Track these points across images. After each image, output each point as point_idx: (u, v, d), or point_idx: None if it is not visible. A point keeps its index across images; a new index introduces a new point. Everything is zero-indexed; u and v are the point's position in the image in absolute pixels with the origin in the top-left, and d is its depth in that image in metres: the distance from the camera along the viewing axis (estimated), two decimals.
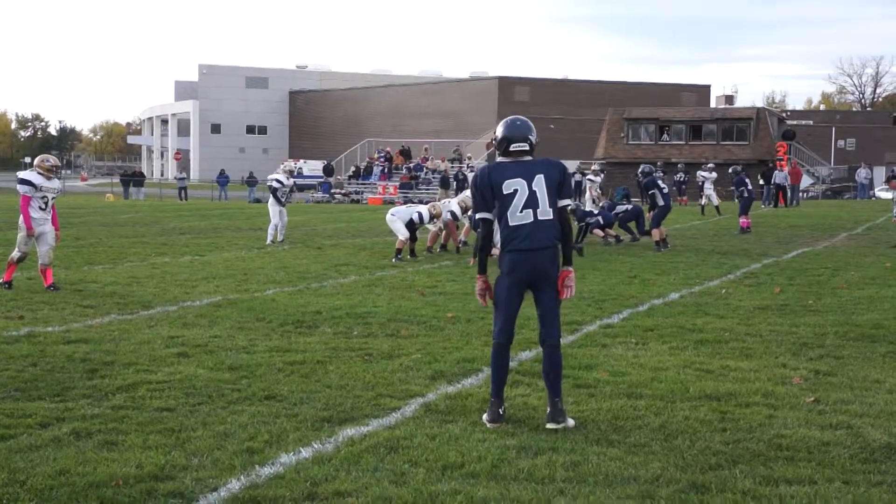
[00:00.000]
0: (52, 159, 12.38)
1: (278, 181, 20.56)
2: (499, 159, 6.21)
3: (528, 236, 5.98)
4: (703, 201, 32.58)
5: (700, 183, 33.04)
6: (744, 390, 6.73)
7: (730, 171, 25.60)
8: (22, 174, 12.13)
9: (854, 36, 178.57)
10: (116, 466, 5.00)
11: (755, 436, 5.62)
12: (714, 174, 33.96)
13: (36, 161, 12.30)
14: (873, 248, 18.94)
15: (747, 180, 24.65)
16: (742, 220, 23.26)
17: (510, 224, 6.00)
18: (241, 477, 4.88)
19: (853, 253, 17.96)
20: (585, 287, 12.62)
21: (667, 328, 9.37)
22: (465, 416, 6.09)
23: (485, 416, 5.97)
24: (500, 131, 6.17)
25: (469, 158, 51.59)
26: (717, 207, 31.48)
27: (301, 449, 5.33)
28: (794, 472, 4.95)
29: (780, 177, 39.96)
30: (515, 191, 5.93)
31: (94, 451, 5.27)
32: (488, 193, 6.03)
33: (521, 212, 5.93)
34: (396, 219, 16.74)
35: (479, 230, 6.34)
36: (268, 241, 19.72)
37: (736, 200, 24.51)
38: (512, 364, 7.59)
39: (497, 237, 6.68)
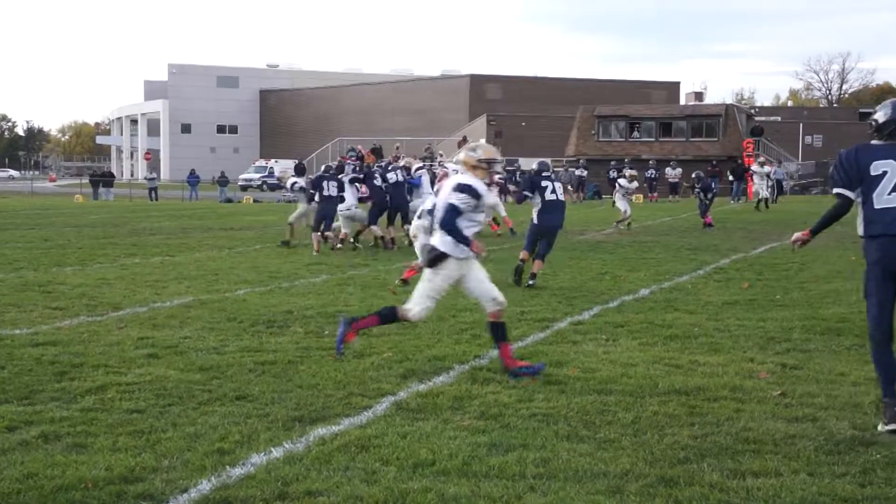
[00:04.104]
0: None
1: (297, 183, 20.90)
2: (873, 142, 5.91)
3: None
4: (762, 194, 33.99)
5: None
6: (712, 385, 6.80)
7: (693, 175, 25.78)
8: None
9: (821, 33, 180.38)
10: (85, 469, 4.98)
11: (723, 429, 5.68)
12: (765, 168, 34.92)
13: None
14: (839, 243, 19.15)
15: (713, 184, 25.03)
16: (706, 218, 23.68)
17: (875, 207, 5.72)
18: (212, 478, 4.87)
19: (820, 247, 18.14)
20: (556, 284, 12.69)
21: (637, 324, 9.44)
22: (436, 413, 6.11)
23: (882, 425, 5.59)
24: (884, 114, 5.90)
25: (441, 156, 51.62)
26: (764, 200, 33.10)
27: (272, 449, 5.33)
28: (760, 464, 5.02)
29: (779, 172, 40.32)
30: (884, 172, 5.72)
31: (63, 454, 5.25)
32: (854, 174, 5.79)
33: (888, 194, 5.69)
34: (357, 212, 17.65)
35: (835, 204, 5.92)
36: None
37: (696, 198, 24.62)
38: (482, 361, 7.65)
39: None
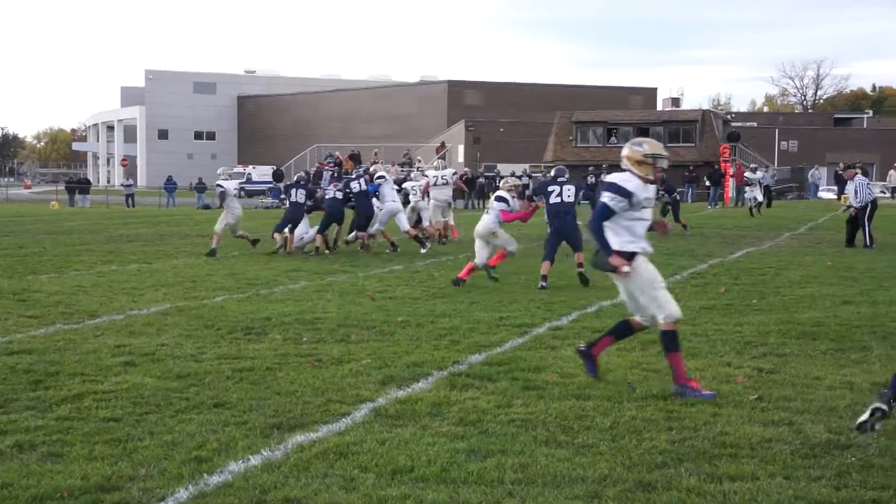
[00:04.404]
0: None
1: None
2: None
3: None
4: (750, 203, 33.59)
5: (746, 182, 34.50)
6: None
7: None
8: None
9: (795, 39, 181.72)
10: (61, 479, 4.94)
11: (700, 434, 5.71)
12: (758, 174, 34.99)
13: None
14: (815, 248, 19.32)
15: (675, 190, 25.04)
16: (670, 223, 23.39)
17: None
18: (189, 486, 4.85)
19: (796, 252, 18.31)
20: (534, 289, 12.70)
21: None
22: (414, 420, 6.10)
23: None
24: None
25: (419, 162, 51.66)
26: (760, 205, 32.78)
27: (250, 456, 5.31)
28: (737, 468, 5.05)
29: (766, 178, 40.53)
30: None
31: (38, 464, 5.21)
32: None
33: None
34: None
35: None
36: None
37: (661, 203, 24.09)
38: (461, 367, 7.66)
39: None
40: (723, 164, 45.91)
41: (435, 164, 23.48)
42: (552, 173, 14.07)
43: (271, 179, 52.56)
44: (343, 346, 8.73)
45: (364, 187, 19.12)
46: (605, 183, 7.03)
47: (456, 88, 77.92)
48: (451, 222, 21.73)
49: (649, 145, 7.16)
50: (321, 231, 18.72)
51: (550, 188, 13.63)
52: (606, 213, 6.86)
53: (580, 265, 13.25)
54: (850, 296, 11.77)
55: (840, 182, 49.43)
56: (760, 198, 33.39)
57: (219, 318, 10.28)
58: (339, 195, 18.94)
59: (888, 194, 45.50)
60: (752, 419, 6.03)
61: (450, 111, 73.82)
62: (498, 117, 65.68)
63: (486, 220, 13.52)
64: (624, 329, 7.25)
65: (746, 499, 4.62)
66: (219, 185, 19.28)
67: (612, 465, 5.14)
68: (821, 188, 51.65)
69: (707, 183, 44.81)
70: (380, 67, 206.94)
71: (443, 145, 57.70)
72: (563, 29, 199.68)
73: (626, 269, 6.74)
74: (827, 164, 55.23)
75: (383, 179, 19.56)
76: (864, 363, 7.76)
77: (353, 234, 19.42)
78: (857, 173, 20.10)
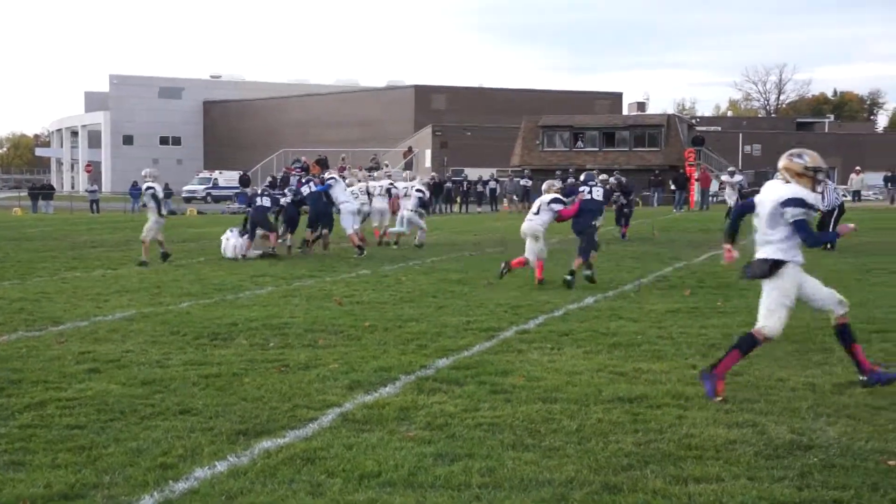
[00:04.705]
0: None
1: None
2: None
3: None
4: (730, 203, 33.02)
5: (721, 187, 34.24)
6: (655, 392, 6.88)
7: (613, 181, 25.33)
8: None
9: (759, 45, 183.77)
10: (24, 487, 4.89)
11: (666, 436, 5.75)
12: (736, 177, 34.84)
13: None
14: None
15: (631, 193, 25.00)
16: (623, 229, 23.52)
17: None
18: (155, 493, 4.82)
19: None
20: (502, 293, 12.75)
21: (582, 332, 9.52)
22: (382, 424, 6.10)
23: None
24: None
25: (387, 166, 51.60)
26: (731, 209, 31.82)
27: (216, 463, 5.28)
28: (702, 470, 5.09)
29: (743, 181, 40.66)
30: None
31: (0, 472, 5.15)
32: None
33: None
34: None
35: None
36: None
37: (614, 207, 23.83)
38: (428, 371, 7.66)
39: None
40: (688, 169, 46.29)
41: (405, 175, 23.79)
42: (581, 177, 15.23)
43: (238, 185, 52.22)
44: (310, 351, 8.71)
45: (314, 188, 19.78)
46: (789, 199, 6.83)
47: (423, 93, 77.96)
48: (391, 229, 22.08)
49: (810, 157, 6.96)
50: (252, 236, 19.24)
51: (581, 188, 14.71)
52: (806, 227, 6.82)
53: (577, 268, 13.92)
54: None
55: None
56: (732, 203, 33.01)
57: (185, 324, 10.21)
58: (268, 203, 19.46)
59: (849, 198, 46.06)
60: (717, 421, 6.08)
61: (417, 116, 73.84)
62: (465, 122, 65.79)
63: (535, 221, 14.23)
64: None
65: (711, 500, 4.66)
66: (150, 188, 18.12)
67: (578, 467, 5.17)
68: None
69: (672, 187, 45.15)
70: (347, 72, 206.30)
71: (410, 150, 57.74)
72: (530, 34, 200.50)
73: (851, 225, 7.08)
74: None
75: (333, 180, 19.81)
76: (826, 364, 7.85)
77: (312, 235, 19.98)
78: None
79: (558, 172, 47.08)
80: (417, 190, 22.11)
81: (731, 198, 32.61)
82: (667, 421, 6.10)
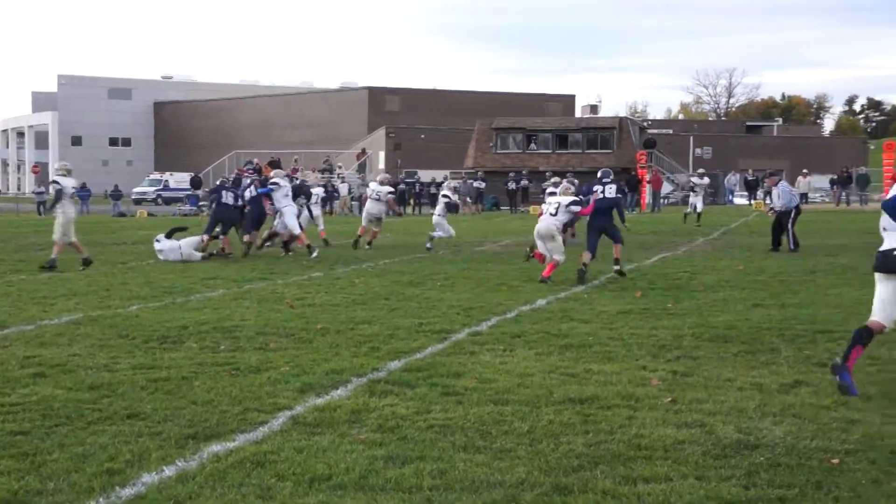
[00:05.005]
0: None
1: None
2: None
3: None
4: (689, 209, 32.48)
5: (690, 187, 33.91)
6: (606, 393, 6.92)
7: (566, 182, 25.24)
8: None
9: (709, 48, 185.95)
10: None
11: (616, 437, 5.79)
12: (705, 179, 34.76)
13: None
14: (728, 252, 19.77)
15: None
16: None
17: None
18: (101, 499, 4.75)
19: (710, 257, 18.72)
20: (454, 295, 12.76)
21: (533, 334, 9.56)
22: (333, 427, 6.07)
23: None
24: None
25: (340, 168, 51.41)
26: (698, 214, 31.35)
27: (164, 467, 5.22)
28: (651, 470, 5.13)
29: (731, 181, 40.73)
30: None
31: None
32: None
33: None
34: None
35: None
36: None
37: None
38: (380, 374, 7.65)
39: None
40: (639, 171, 46.71)
41: (379, 178, 23.89)
42: (598, 175, 15.78)
43: (189, 186, 51.75)
44: (261, 353, 8.64)
45: (253, 192, 19.87)
46: None
47: (376, 95, 77.89)
48: (375, 229, 22.03)
49: None
50: (224, 233, 19.43)
51: (595, 187, 15.36)
52: None
53: (617, 261, 15.04)
54: (760, 299, 12.08)
55: (750, 188, 50.76)
56: (700, 207, 31.97)
57: (133, 328, 10.08)
58: (231, 200, 19.59)
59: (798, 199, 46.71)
60: (666, 421, 6.14)
61: (370, 117, 73.76)
62: (418, 124, 65.83)
63: (550, 222, 14.82)
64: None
65: (660, 500, 4.70)
66: (55, 182, 17.15)
67: (529, 469, 5.19)
68: (735, 194, 52.86)
69: (625, 189, 45.49)
70: (300, 73, 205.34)
71: (363, 152, 57.60)
72: (483, 36, 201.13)
73: None
74: (740, 171, 56.51)
75: (276, 185, 19.86)
76: (773, 364, 7.96)
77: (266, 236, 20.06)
78: (780, 180, 21.05)
79: (511, 175, 47.44)
80: (444, 195, 22.03)
81: (698, 199, 32.63)
82: (617, 422, 6.14)
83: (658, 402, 6.66)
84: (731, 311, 11.09)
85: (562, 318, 10.62)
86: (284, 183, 20.22)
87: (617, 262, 15.12)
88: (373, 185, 22.70)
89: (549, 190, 22.69)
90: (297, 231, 19.58)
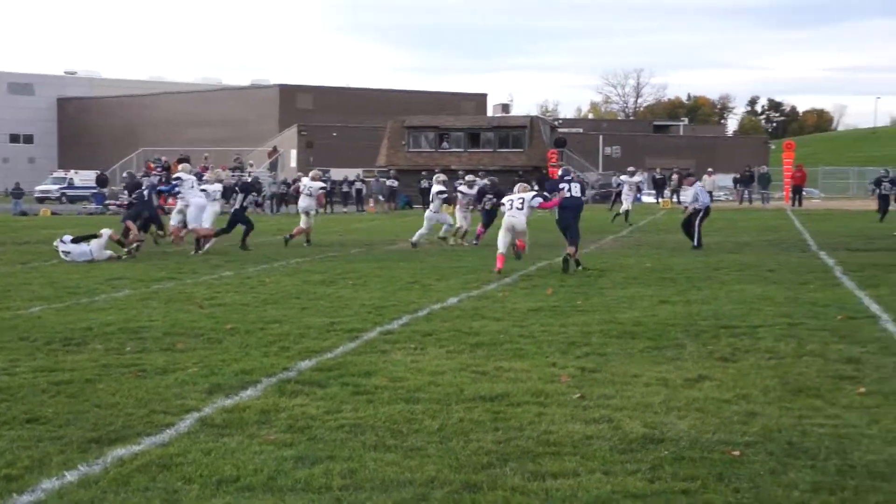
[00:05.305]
0: None
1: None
2: None
3: None
4: (624, 207, 31.96)
5: (616, 186, 33.91)
6: (516, 390, 6.98)
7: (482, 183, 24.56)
8: None
9: (618, 49, 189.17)
10: None
11: (525, 433, 5.85)
12: (635, 178, 34.79)
13: None
14: (636, 250, 20.14)
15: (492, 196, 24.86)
16: (480, 228, 22.49)
17: None
18: None
19: (618, 255, 19.04)
20: (366, 294, 12.73)
21: (445, 332, 9.59)
22: (242, 428, 6.00)
23: None
24: None
25: (251, 166, 50.79)
26: (626, 213, 30.84)
27: (66, 473, 5.08)
28: (559, 466, 5.19)
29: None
30: None
31: None
32: None
33: None
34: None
35: None
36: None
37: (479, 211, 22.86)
38: (291, 374, 7.59)
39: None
40: (550, 170, 47.25)
41: (311, 174, 23.92)
42: (559, 173, 17.00)
43: (95, 185, 50.51)
44: (169, 355, 8.49)
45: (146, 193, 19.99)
46: None
47: (288, 92, 77.15)
48: (304, 226, 22.10)
49: None
50: (144, 229, 19.62)
51: (561, 185, 16.26)
52: None
53: (572, 255, 15.63)
54: (667, 296, 12.33)
55: (658, 186, 51.79)
56: (628, 205, 31.55)
57: (35, 329, 9.80)
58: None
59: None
60: (575, 417, 6.22)
61: (282, 115, 73.01)
62: (331, 122, 65.42)
63: (521, 217, 15.82)
64: None
65: (567, 495, 4.76)
66: None
67: (439, 467, 5.20)
68: (643, 192, 53.85)
69: (535, 187, 45.94)
70: (209, 70, 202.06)
71: (275, 150, 57.03)
72: (396, 34, 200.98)
73: None
74: (647, 169, 57.57)
75: (179, 181, 20.02)
76: (678, 360, 8.14)
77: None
78: (696, 180, 21.91)
79: (424, 173, 47.48)
80: (439, 192, 21.76)
81: (628, 198, 32.74)
82: (527, 418, 6.20)
83: (567, 398, 6.74)
84: (638, 307, 11.30)
85: (473, 316, 10.68)
86: (187, 177, 20.42)
87: (573, 257, 15.75)
88: (304, 181, 22.92)
89: (461, 188, 22.73)
90: (192, 224, 19.78)
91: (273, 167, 54.26)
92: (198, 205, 19.84)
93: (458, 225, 22.22)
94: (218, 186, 21.89)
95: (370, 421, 6.16)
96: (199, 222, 19.78)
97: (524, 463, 5.27)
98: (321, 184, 22.61)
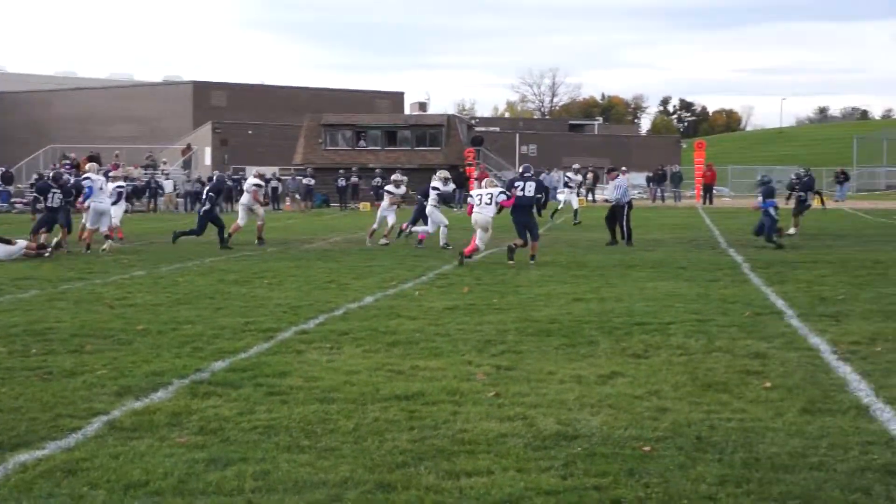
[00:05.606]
0: None
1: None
2: None
3: None
4: (561, 204, 32.01)
5: (563, 183, 33.71)
6: (431, 389, 6.98)
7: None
8: None
9: (534, 48, 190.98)
10: None
11: (440, 432, 5.85)
12: (579, 176, 34.62)
13: None
14: (551, 248, 20.33)
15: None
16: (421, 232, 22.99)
17: None
18: None
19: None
20: (282, 293, 12.61)
21: (361, 331, 9.55)
22: (152, 431, 5.88)
23: None
24: None
25: (164, 164, 49.87)
26: (575, 212, 30.66)
27: None
28: (473, 464, 5.21)
29: (550, 180, 40.89)
30: None
31: None
32: None
33: None
34: None
35: None
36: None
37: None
38: (203, 375, 7.47)
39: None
40: (467, 168, 47.42)
41: (254, 171, 23.83)
42: (519, 170, 17.53)
43: (0, 182, 48.95)
44: (76, 357, 8.27)
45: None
46: None
47: (202, 89, 75.86)
48: (241, 224, 21.96)
49: None
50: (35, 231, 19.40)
51: (517, 183, 16.93)
52: None
53: (533, 256, 16.61)
54: (581, 293, 12.48)
55: (567, 185, 52.38)
56: (576, 204, 31.46)
57: None
58: (58, 203, 19.41)
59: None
60: (490, 415, 6.25)
61: (196, 112, 71.74)
62: (246, 119, 64.57)
63: (487, 213, 16.56)
64: None
65: (481, 493, 4.77)
66: None
67: (353, 467, 5.17)
68: (559, 190, 54.44)
69: (454, 185, 46.09)
70: (120, 66, 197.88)
71: (189, 147, 56.08)
72: (312, 32, 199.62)
73: None
74: (562, 167, 58.24)
75: (88, 180, 19.87)
76: (592, 357, 8.24)
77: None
78: (618, 175, 22.20)
79: (341, 171, 47.26)
80: (433, 188, 21.11)
81: (572, 196, 32.83)
82: (442, 417, 6.20)
83: (482, 396, 6.77)
84: (553, 305, 11.41)
85: (389, 315, 10.66)
86: (96, 177, 20.20)
87: (533, 257, 16.54)
88: (251, 180, 22.90)
89: (389, 188, 22.45)
90: (90, 225, 19.74)
91: (187, 165, 53.30)
92: (97, 209, 19.69)
93: (390, 223, 21.92)
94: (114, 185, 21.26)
95: (284, 422, 6.10)
96: (96, 225, 19.73)
97: (439, 462, 5.27)
98: (255, 180, 22.33)
